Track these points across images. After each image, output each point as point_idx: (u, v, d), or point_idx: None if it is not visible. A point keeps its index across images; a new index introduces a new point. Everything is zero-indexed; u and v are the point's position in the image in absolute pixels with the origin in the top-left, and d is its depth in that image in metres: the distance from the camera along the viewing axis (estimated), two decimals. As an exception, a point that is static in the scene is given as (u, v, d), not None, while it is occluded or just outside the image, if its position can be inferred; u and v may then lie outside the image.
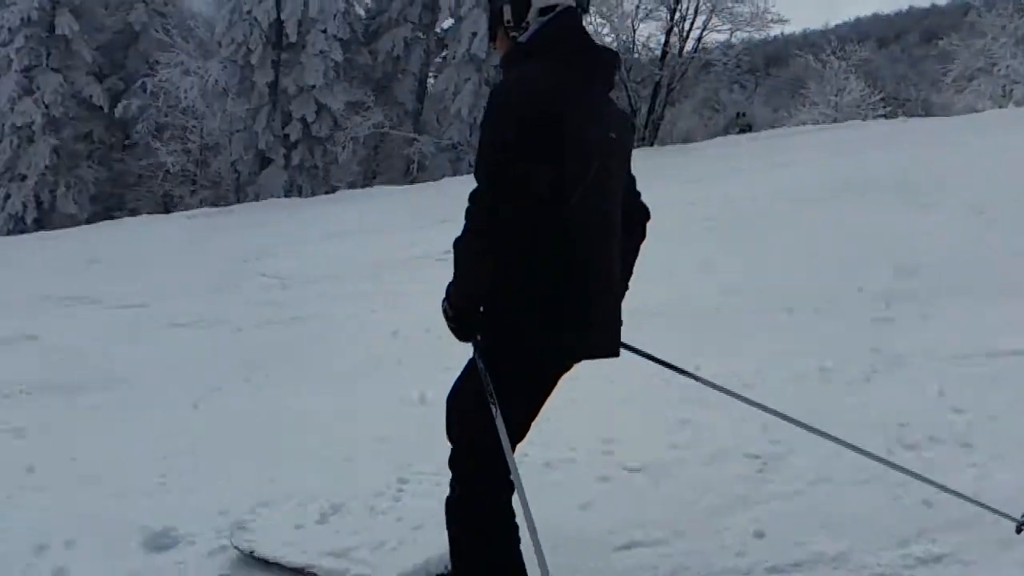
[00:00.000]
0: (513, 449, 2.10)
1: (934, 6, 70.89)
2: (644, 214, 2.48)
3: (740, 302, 5.90)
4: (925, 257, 6.22)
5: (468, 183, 2.08)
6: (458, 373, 2.25)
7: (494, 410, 2.03)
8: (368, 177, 25.18)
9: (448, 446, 2.25)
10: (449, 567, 2.33)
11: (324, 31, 21.73)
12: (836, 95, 25.36)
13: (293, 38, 21.73)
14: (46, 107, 22.94)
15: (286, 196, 21.25)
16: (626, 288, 2.45)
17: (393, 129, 23.47)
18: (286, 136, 22.57)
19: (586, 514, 3.06)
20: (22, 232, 21.21)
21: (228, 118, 22.46)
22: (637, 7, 23.91)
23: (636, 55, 24.62)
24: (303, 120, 22.34)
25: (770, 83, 40.70)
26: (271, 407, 4.91)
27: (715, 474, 3.28)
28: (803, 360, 4.50)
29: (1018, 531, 2.49)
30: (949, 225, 7.13)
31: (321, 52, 21.74)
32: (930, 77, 35.20)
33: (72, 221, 22.03)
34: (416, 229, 10.82)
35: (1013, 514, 2.50)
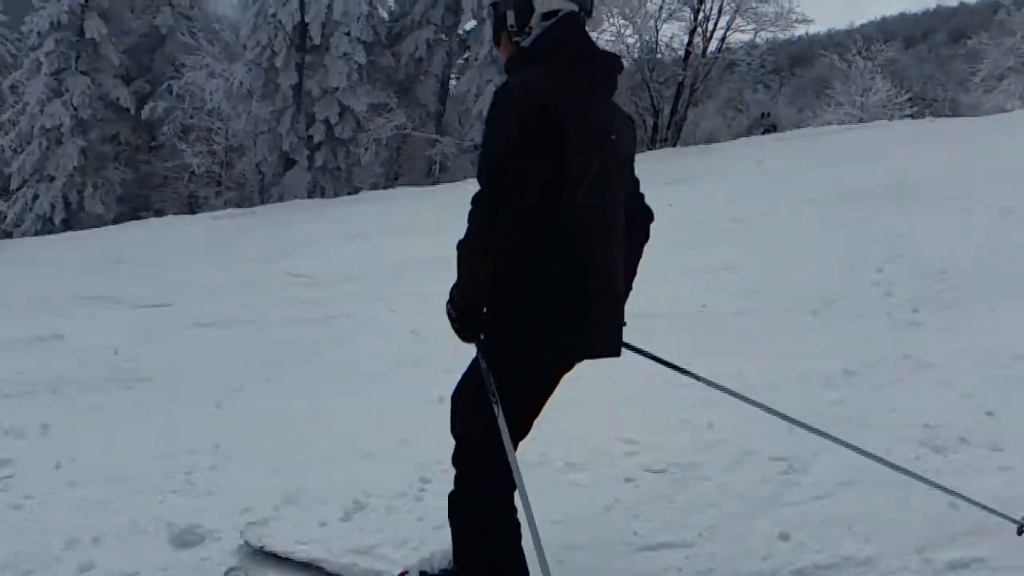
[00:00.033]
0: (515, 447, 2.13)
1: (963, 4, 70.12)
2: (647, 215, 2.52)
3: (764, 304, 5.86)
4: (953, 259, 6.14)
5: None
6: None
7: (496, 409, 2.06)
8: (390, 178, 25.28)
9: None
10: (452, 562, 2.36)
11: (348, 34, 21.83)
12: (862, 95, 25.10)
13: (317, 41, 21.86)
14: (74, 109, 23.26)
15: (309, 197, 21.38)
16: (630, 288, 2.49)
17: (415, 130, 23.54)
18: (310, 138, 22.72)
19: (610, 515, 3.04)
20: (50, 232, 21.50)
21: (253, 120, 22.65)
22: (660, 7, 23.90)
23: (659, 55, 24.58)
24: (326, 122, 22.46)
25: (795, 83, 40.42)
26: (294, 406, 4.93)
27: (740, 476, 3.25)
28: (829, 362, 4.45)
29: (1019, 532, 2.47)
30: (977, 226, 7.03)
31: (345, 54, 21.85)
32: (958, 77, 34.81)
33: (99, 221, 22.31)
34: (438, 230, 10.80)
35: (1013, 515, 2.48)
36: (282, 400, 5.12)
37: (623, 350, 2.40)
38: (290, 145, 22.62)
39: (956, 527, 2.67)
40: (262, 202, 22.22)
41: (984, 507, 2.52)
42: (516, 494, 2.12)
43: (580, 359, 2.27)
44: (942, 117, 20.80)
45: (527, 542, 2.10)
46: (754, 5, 23.73)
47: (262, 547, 2.96)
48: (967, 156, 10.18)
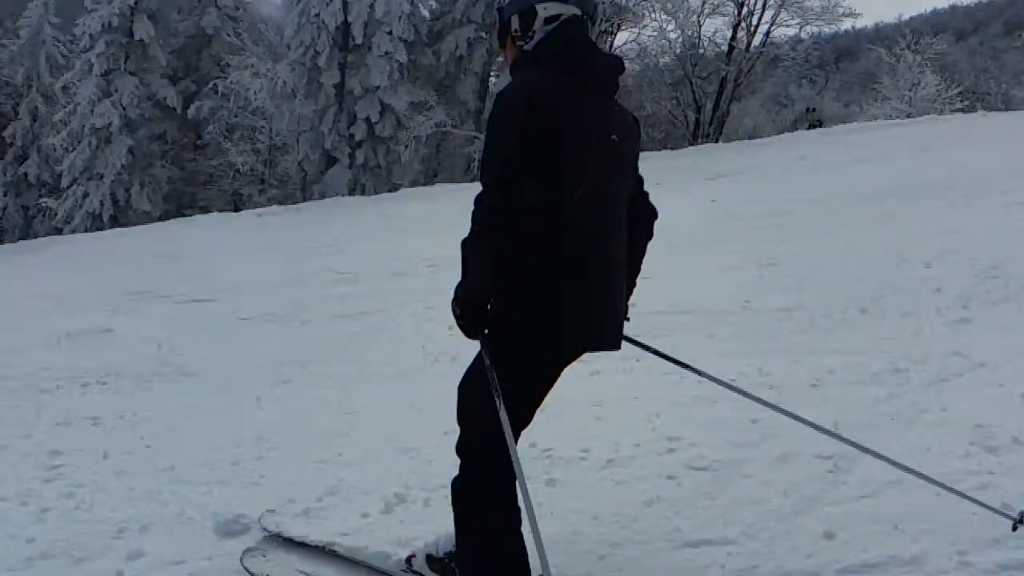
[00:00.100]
0: (517, 437, 2.22)
1: (1016, -4, 68.07)
2: (651, 214, 2.56)
3: (810, 300, 5.76)
4: (1004, 255, 5.98)
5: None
6: None
7: (498, 402, 2.11)
8: (429, 175, 25.41)
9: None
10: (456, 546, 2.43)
11: (389, 33, 21.99)
12: (910, 90, 24.55)
13: (359, 40, 22.05)
14: (123, 109, 23.79)
15: (350, 194, 21.58)
16: (633, 285, 2.55)
17: (455, 128, 23.63)
18: (351, 136, 22.93)
19: (652, 511, 3.02)
20: (99, 229, 21.99)
21: (296, 119, 22.93)
22: (703, 2, 23.62)
23: (701, 51, 24.33)
24: (367, 120, 22.66)
25: (841, 78, 39.72)
26: (335, 400, 4.99)
27: (784, 474, 3.20)
28: (877, 360, 4.37)
29: (1014, 528, 2.45)
30: (1031, 222, 6.84)
31: (386, 53, 22.01)
32: (1012, 70, 33.92)
33: (146, 219, 22.81)
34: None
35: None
36: (323, 394, 5.18)
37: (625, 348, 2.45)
38: (332, 143, 22.86)
39: (1003, 529, 2.59)
40: (304, 199, 22.49)
41: (980, 503, 2.51)
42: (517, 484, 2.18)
43: (580, 354, 2.34)
44: (994, 112, 20.27)
45: (528, 541, 2.14)
46: (799, -1, 23.37)
47: (278, 533, 3.05)
48: (1020, 151, 9.91)
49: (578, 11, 2.34)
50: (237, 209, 22.92)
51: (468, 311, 2.12)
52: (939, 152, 11.38)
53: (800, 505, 2.94)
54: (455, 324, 2.17)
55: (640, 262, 2.57)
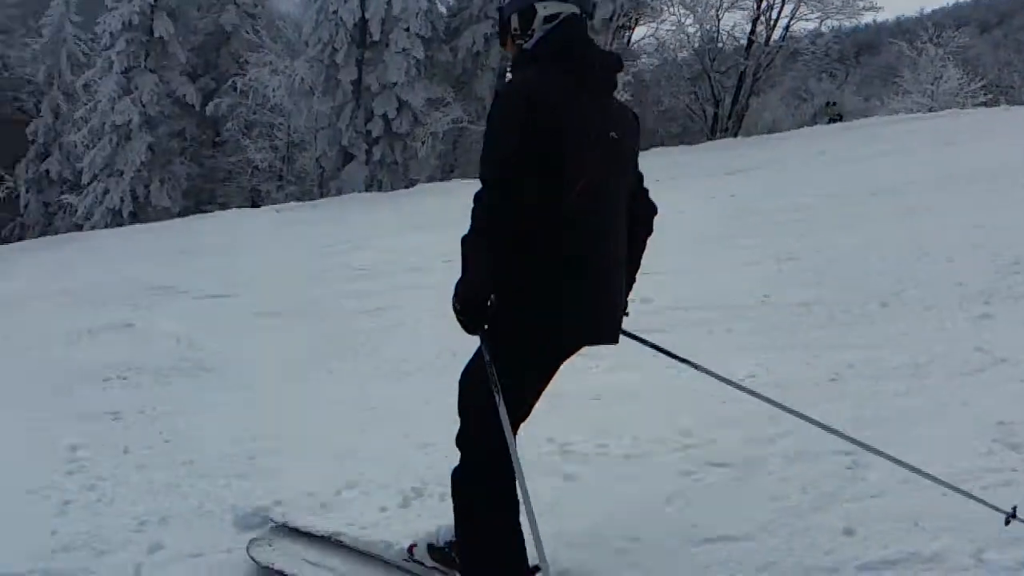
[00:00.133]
0: (516, 429, 2.26)
1: (1042, -12, 67.07)
2: (651, 210, 2.59)
3: (830, 295, 5.72)
4: (1027, 249, 5.91)
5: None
6: None
7: (497, 398, 2.14)
8: (446, 171, 25.43)
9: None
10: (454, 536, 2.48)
11: (407, 29, 22.01)
12: (932, 83, 24.26)
13: (376, 37, 22.08)
14: (143, 106, 23.94)
15: (367, 191, 21.65)
16: (633, 281, 2.57)
17: (471, 124, 23.63)
18: (368, 132, 22.97)
19: (670, 507, 3.01)
20: (119, 225, 22.16)
21: (313, 115, 23.00)
22: (722, -3, 23.46)
23: (720, 45, 24.16)
24: (384, 117, 22.69)
25: (861, 72, 39.33)
26: (352, 395, 5.01)
27: (802, 471, 3.17)
28: (897, 355, 4.33)
29: (1007, 523, 2.43)
30: (1055, 216, 6.76)
31: (403, 50, 22.02)
32: (1037, 63, 33.38)
33: (165, 215, 22.97)
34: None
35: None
36: (341, 389, 5.21)
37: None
38: (349, 140, 22.92)
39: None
40: (321, 196, 22.57)
41: (973, 497, 2.50)
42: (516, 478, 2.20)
43: (578, 349, 2.37)
44: (1017, 105, 20.01)
45: (528, 537, 2.16)
46: (819, -8, 23.16)
47: (284, 523, 3.09)
48: (1044, 144, 9.78)
49: (577, 10, 2.37)
50: (255, 205, 23.04)
51: (468, 308, 2.15)
52: (961, 146, 11.25)
53: (819, 501, 2.92)
54: (456, 319, 2.20)
55: (640, 258, 2.60)
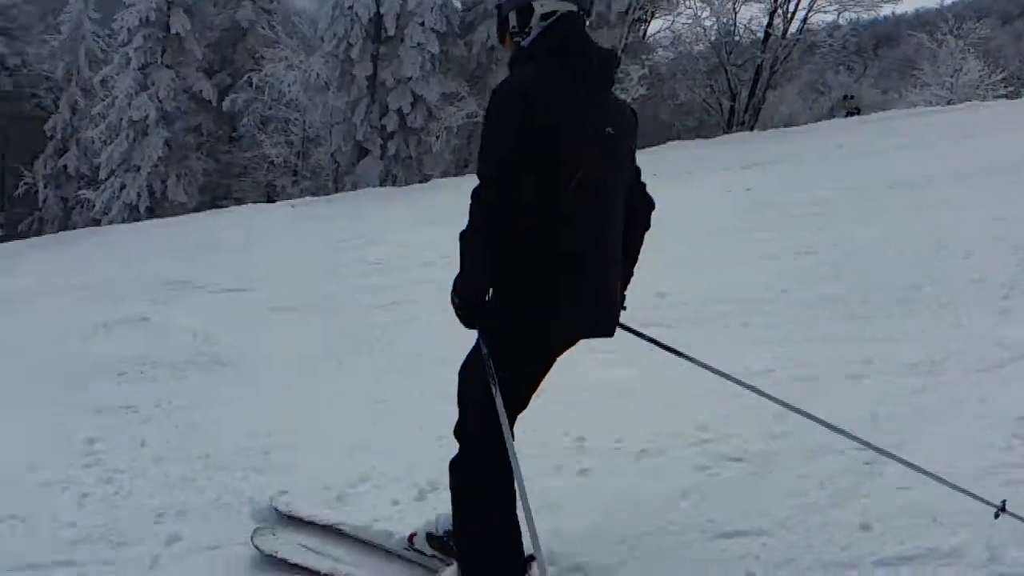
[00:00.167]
0: (513, 420, 2.31)
1: (1065, -22, 66.08)
2: (648, 204, 2.60)
3: (847, 289, 5.67)
4: (1049, 243, 5.84)
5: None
6: None
7: (494, 391, 2.16)
8: (460, 166, 25.42)
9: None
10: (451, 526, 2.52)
11: (422, 24, 22.02)
12: (952, 76, 23.98)
13: (391, 31, 22.11)
14: (159, 102, 24.09)
15: (381, 185, 21.69)
16: (630, 275, 2.59)
17: (486, 118, 23.60)
18: (383, 127, 23.01)
19: (686, 501, 3.00)
20: (136, 220, 22.32)
21: (328, 111, 23.06)
22: (739, -11, 23.28)
23: (737, 38, 23.99)
24: (399, 111, 22.72)
25: (879, 65, 38.97)
26: (367, 389, 5.01)
27: (819, 466, 3.15)
28: (915, 350, 4.29)
29: (996, 516, 2.43)
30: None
31: (418, 44, 22.04)
32: (1059, 54, 32.94)
33: (182, 210, 23.09)
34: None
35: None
36: (355, 383, 5.22)
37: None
38: (364, 135, 22.97)
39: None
40: (336, 190, 22.63)
41: (964, 491, 2.49)
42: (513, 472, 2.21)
43: (574, 342, 2.40)
44: (1039, 97, 19.76)
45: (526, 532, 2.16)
46: (838, -16, 22.94)
47: (288, 512, 3.12)
48: (1066, 136, 9.64)
49: (574, 7, 2.38)
50: (271, 200, 23.12)
51: (466, 303, 2.18)
52: (980, 139, 11.12)
53: (836, 497, 2.90)
54: (454, 314, 2.23)
55: (637, 253, 2.60)
